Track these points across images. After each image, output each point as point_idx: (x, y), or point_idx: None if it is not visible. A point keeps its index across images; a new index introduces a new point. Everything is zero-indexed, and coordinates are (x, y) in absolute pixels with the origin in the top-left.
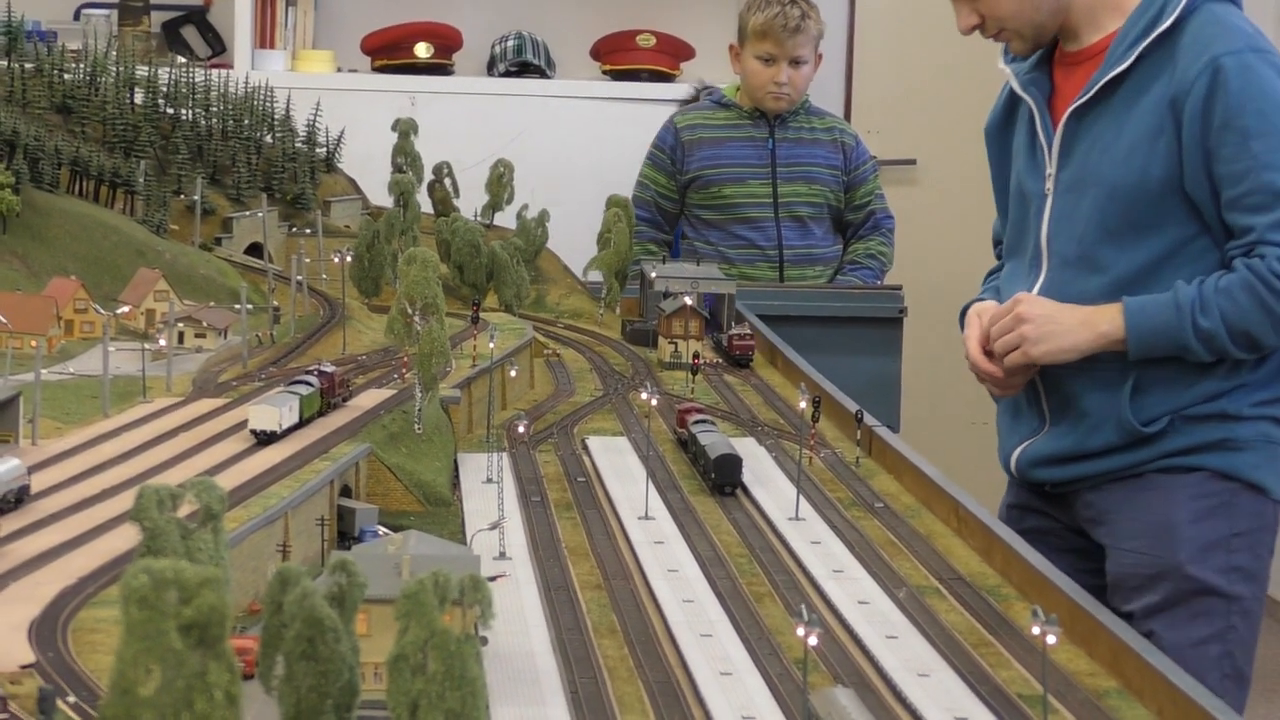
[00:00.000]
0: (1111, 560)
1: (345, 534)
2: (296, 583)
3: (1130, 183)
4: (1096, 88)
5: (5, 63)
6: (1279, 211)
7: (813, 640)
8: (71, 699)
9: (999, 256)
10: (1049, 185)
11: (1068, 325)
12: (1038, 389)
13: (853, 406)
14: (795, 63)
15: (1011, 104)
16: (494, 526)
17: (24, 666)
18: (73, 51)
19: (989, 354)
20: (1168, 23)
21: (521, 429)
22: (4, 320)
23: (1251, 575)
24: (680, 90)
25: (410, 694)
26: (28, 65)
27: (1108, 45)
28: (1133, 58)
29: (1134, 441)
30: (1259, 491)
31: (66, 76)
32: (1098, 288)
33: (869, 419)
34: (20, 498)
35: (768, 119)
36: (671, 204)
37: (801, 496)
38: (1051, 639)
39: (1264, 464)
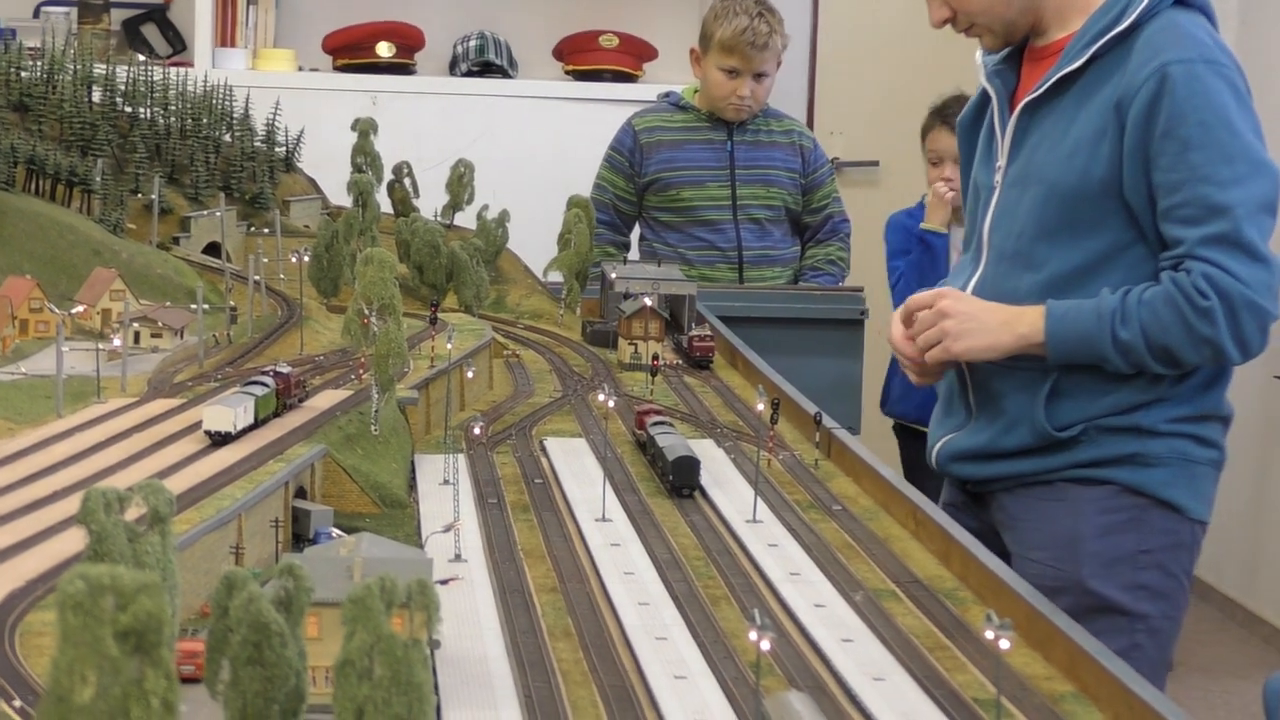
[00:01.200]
0: (1017, 568)
1: (300, 536)
2: (243, 587)
3: (1071, 182)
4: (1049, 84)
5: None
6: (1210, 226)
7: (765, 645)
8: (17, 703)
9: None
10: (997, 178)
11: (989, 324)
12: (966, 383)
13: (812, 409)
14: (759, 76)
15: (984, 99)
16: (448, 529)
17: None
18: (31, 49)
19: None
20: (1125, 24)
21: (478, 430)
22: None
23: (1161, 594)
24: (643, 91)
25: (356, 699)
26: None
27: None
28: (1086, 57)
29: (1047, 446)
30: (1171, 509)
31: (24, 74)
32: (1030, 285)
33: (828, 421)
34: None
35: (726, 122)
36: (629, 206)
37: (759, 499)
38: (1005, 644)
39: (1176, 481)
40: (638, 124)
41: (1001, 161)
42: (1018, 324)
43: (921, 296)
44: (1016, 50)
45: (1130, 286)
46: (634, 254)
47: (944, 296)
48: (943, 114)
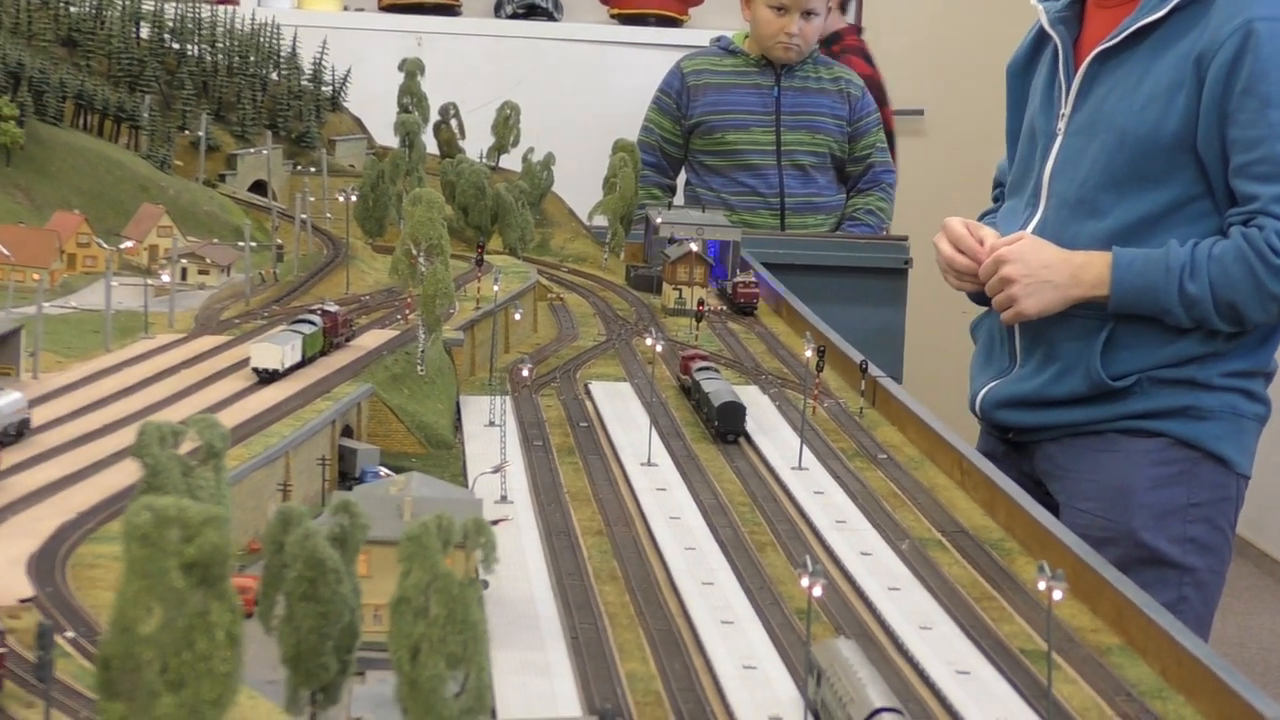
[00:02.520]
0: (1065, 518)
1: (346, 474)
2: (299, 523)
3: (1142, 133)
4: (1126, 33)
5: None
6: None
7: (817, 591)
8: (70, 634)
9: (996, 199)
10: (1060, 125)
11: (1058, 280)
12: (1012, 328)
13: (857, 357)
14: (807, 14)
15: (1038, 43)
16: (496, 470)
17: (22, 601)
18: None
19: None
20: None
21: (526, 373)
22: (6, 253)
23: (1208, 547)
24: (688, 36)
25: (412, 637)
26: None
27: None
28: (1167, 8)
29: (1099, 395)
30: (1221, 463)
31: (72, 9)
32: (1092, 233)
33: (873, 369)
34: (21, 431)
35: (774, 67)
36: (676, 149)
37: (805, 446)
38: (1058, 594)
39: (1228, 435)
40: (686, 66)
41: (1066, 109)
42: (1084, 273)
43: (971, 242)
44: None
45: (1198, 240)
46: (679, 199)
47: (1003, 261)
48: None
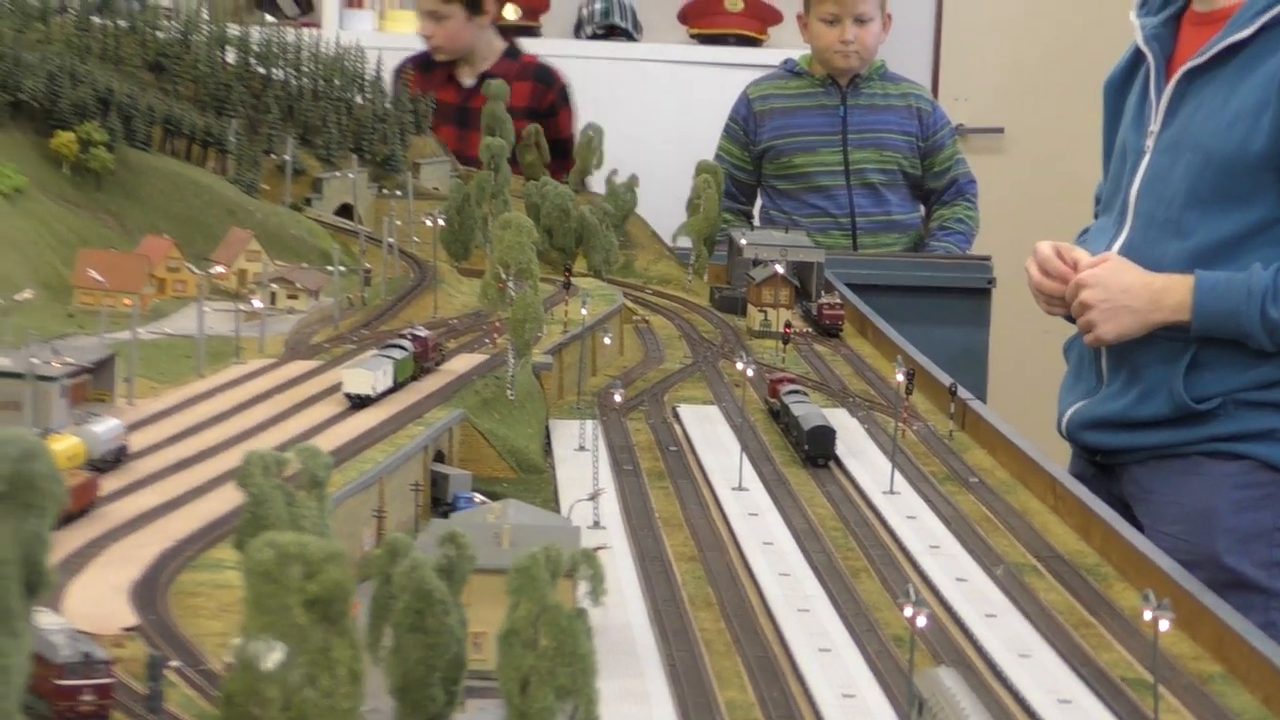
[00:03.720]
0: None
1: (439, 500)
2: (406, 554)
3: (1228, 152)
4: (1213, 51)
5: (99, 20)
6: None
7: (921, 621)
8: (175, 663)
9: (1097, 216)
10: (1149, 143)
11: (1137, 306)
12: (1098, 350)
13: (945, 379)
14: (860, 20)
15: (1135, 60)
16: (593, 497)
17: (126, 629)
18: (164, 9)
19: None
20: None
21: (617, 398)
22: (99, 278)
23: None
24: (768, 55)
25: (521, 669)
26: (121, 23)
27: (1235, 10)
28: (1255, 26)
29: (1183, 417)
30: None
31: (159, 34)
32: (1176, 253)
33: (963, 392)
34: (119, 458)
35: (839, 86)
36: (747, 175)
37: (896, 470)
38: (1164, 625)
39: None
40: (752, 92)
41: (1154, 126)
42: (1165, 298)
43: (1059, 266)
44: (1176, 13)
45: None
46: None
47: (1083, 285)
48: None
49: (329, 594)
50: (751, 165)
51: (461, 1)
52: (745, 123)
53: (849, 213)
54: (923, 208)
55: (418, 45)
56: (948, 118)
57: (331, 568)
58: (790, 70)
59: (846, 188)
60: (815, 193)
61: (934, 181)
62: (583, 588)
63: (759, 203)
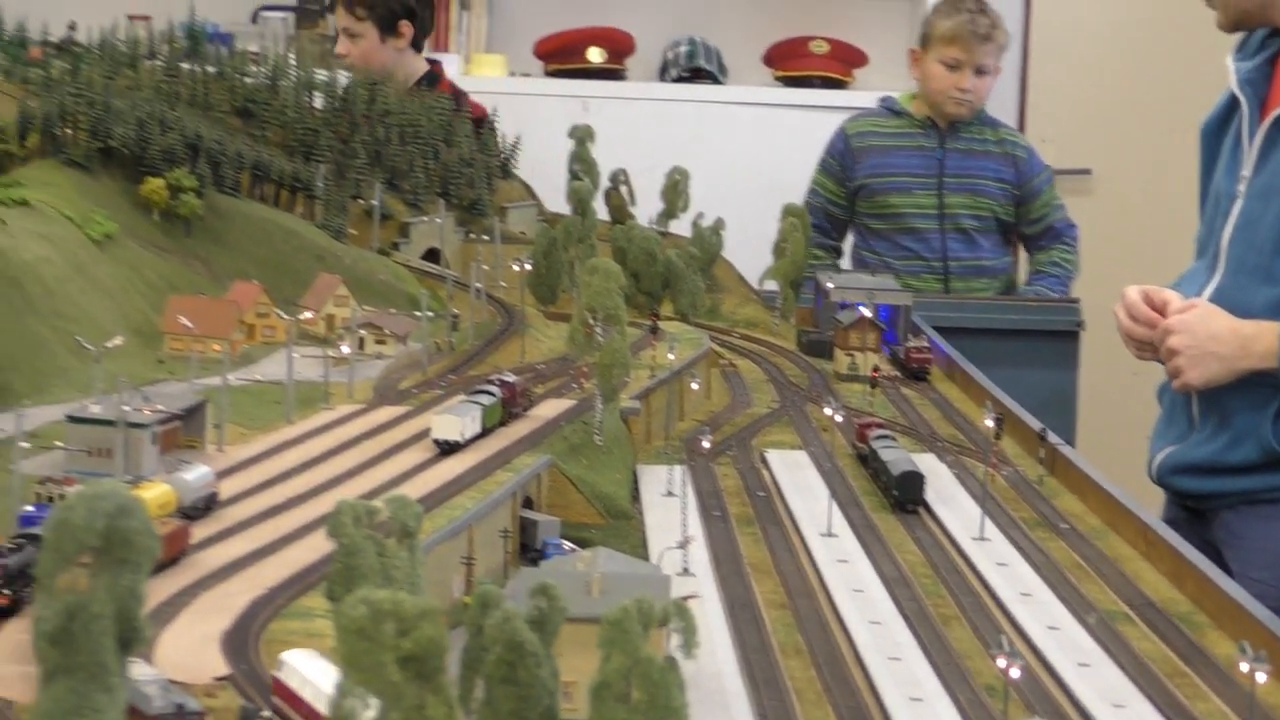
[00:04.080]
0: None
1: (527, 546)
2: (498, 605)
3: None
4: None
5: (188, 66)
6: None
7: (1015, 672)
8: (266, 714)
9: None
10: (1241, 188)
11: (1223, 353)
12: (1189, 394)
13: (1033, 423)
14: (979, 71)
15: (1231, 104)
16: (682, 545)
17: (218, 679)
18: (252, 54)
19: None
20: None
21: (707, 444)
22: (189, 324)
23: None
24: (853, 98)
25: None
26: (209, 69)
27: None
28: None
29: (1273, 462)
30: None
31: (248, 80)
32: (1266, 300)
33: (1052, 436)
34: (210, 505)
35: (939, 128)
36: (841, 210)
37: (986, 516)
38: (1261, 677)
39: None
40: (850, 129)
41: (1247, 172)
42: (1254, 345)
43: (1145, 311)
44: (1271, 56)
45: None
46: (846, 262)
47: (1170, 332)
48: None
49: (423, 651)
50: (845, 201)
51: (375, 22)
52: (841, 158)
53: (941, 257)
54: (1013, 252)
55: (506, 88)
56: (1044, 163)
57: (425, 625)
58: (889, 109)
59: (940, 231)
60: (908, 235)
61: (1030, 228)
62: (675, 640)
63: (849, 239)
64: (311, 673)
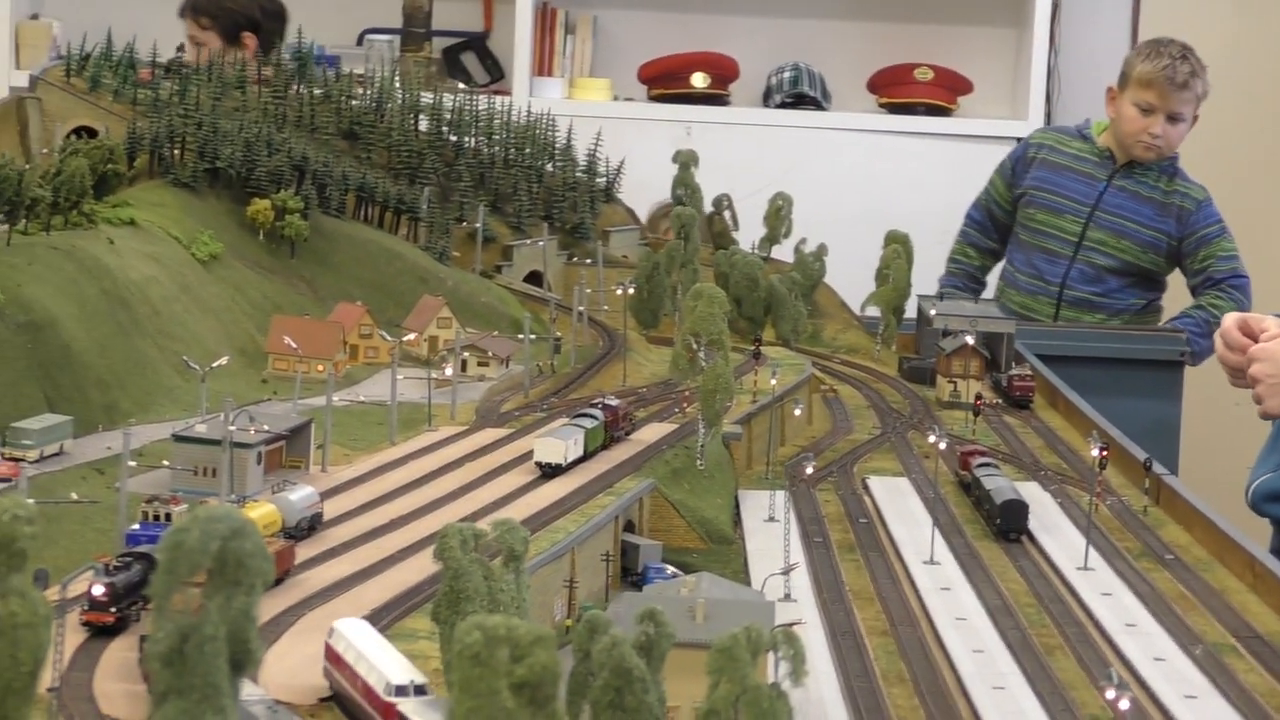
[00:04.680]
0: None
1: (628, 570)
2: (605, 630)
3: None
4: None
5: (295, 88)
6: None
7: (1124, 705)
8: None
9: None
10: None
11: None
12: None
13: (1137, 451)
14: (1173, 119)
15: None
16: (787, 571)
17: (322, 700)
18: (358, 77)
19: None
20: None
21: (809, 469)
22: (294, 345)
23: None
24: (957, 125)
25: None
26: (316, 91)
27: None
28: None
29: None
30: None
31: (354, 103)
32: None
33: (1157, 466)
34: (314, 525)
35: (1114, 163)
36: (1003, 213)
37: (1090, 546)
38: None
39: None
40: (1034, 138)
41: None
42: None
43: (1238, 338)
44: None
45: None
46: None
47: (1254, 359)
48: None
49: (537, 677)
50: (1009, 205)
51: (219, 31)
52: (1016, 163)
53: (1060, 283)
54: (1152, 300)
55: (610, 113)
56: (1219, 217)
57: (540, 651)
58: (1079, 130)
59: (1070, 259)
60: (1041, 254)
61: (1193, 279)
62: (782, 667)
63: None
64: (358, 639)
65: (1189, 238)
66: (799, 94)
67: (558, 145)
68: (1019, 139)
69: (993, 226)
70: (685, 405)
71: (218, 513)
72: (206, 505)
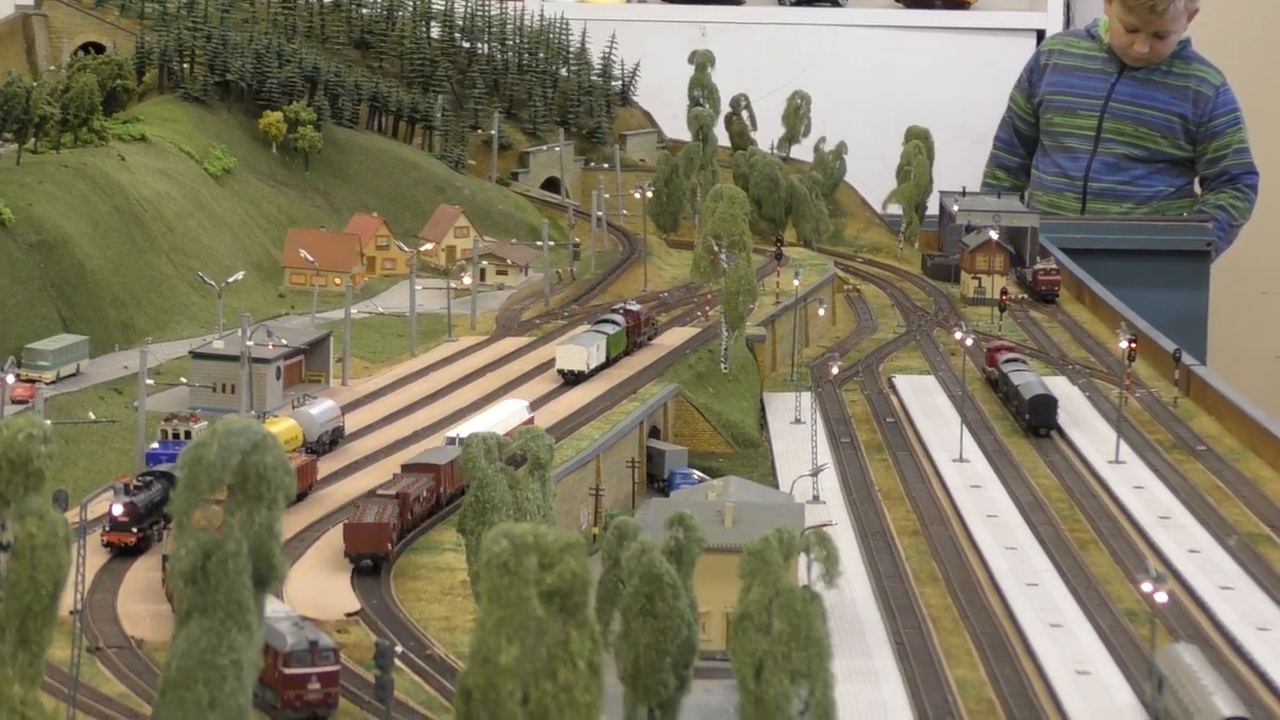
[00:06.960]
0: None
1: (654, 476)
2: (634, 537)
3: None
4: None
5: None
6: None
7: (1161, 598)
8: (399, 649)
9: None
10: None
11: None
12: None
13: (1165, 343)
14: (1159, 35)
15: None
16: (816, 473)
17: (349, 614)
18: None
19: None
20: None
21: (836, 370)
22: (310, 258)
23: None
24: (974, 18)
25: (755, 653)
26: (326, 1)
27: None
28: None
29: None
30: None
31: (364, 11)
32: None
33: (1186, 357)
34: (335, 439)
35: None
36: (1027, 126)
37: (1121, 439)
38: None
39: None
40: (1045, 45)
41: None
42: None
43: None
44: None
45: None
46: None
47: None
48: None
49: (567, 585)
50: (1032, 117)
51: None
52: (1031, 74)
53: (1083, 177)
54: (1183, 185)
55: (624, 15)
56: (1236, 105)
57: (569, 558)
58: (1088, 31)
59: (1090, 153)
60: (1062, 153)
61: (1206, 168)
62: (816, 570)
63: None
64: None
65: (1206, 123)
66: None
67: (572, 50)
68: (1039, 31)
69: (1019, 143)
70: (708, 308)
71: (236, 426)
72: (225, 419)
